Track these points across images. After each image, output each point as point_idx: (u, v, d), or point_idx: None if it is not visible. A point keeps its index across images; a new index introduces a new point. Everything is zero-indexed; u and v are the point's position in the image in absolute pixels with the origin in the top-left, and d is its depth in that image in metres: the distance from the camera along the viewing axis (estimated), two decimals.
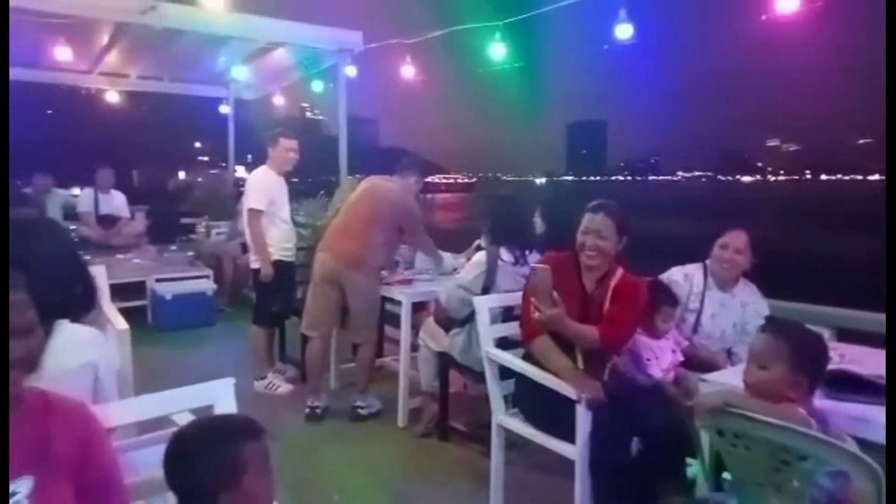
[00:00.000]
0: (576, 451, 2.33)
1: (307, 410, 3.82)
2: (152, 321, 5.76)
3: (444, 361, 3.44)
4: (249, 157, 9.48)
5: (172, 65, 7.57)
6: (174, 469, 1.25)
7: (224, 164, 9.40)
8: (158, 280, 5.87)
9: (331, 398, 3.97)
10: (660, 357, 2.64)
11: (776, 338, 1.75)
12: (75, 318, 1.68)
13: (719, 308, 2.92)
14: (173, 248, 6.90)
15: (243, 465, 1.22)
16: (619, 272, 2.61)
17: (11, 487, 1.10)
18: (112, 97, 9.47)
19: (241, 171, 9.60)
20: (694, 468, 2.27)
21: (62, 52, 5.98)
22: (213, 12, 4.84)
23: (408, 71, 6.18)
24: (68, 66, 7.16)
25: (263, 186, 4.22)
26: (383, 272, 3.97)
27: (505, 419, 2.72)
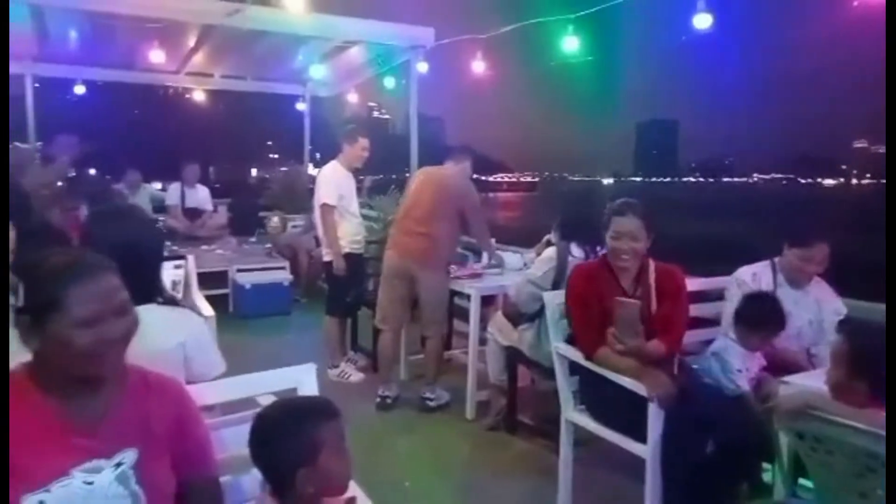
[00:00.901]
0: (647, 450, 2.30)
1: (378, 399, 3.93)
2: (233, 309, 6.04)
3: (513, 356, 3.46)
4: (318, 154, 9.73)
5: (254, 64, 7.88)
6: (257, 445, 1.34)
7: (297, 161, 9.72)
8: (239, 270, 6.15)
9: (401, 388, 4.07)
10: (750, 368, 2.56)
11: (842, 339, 1.72)
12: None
13: (793, 305, 2.81)
14: (252, 240, 7.18)
15: (320, 444, 1.28)
16: (652, 265, 2.61)
17: (117, 458, 1.20)
18: (197, 96, 9.98)
19: (309, 168, 9.89)
20: (770, 472, 2.21)
21: (156, 55, 6.36)
22: (294, 13, 5.02)
23: (479, 66, 6.21)
24: (159, 67, 7.60)
25: (334, 182, 4.35)
26: (452, 266, 4.02)
27: (574, 415, 2.72)
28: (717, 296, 3.13)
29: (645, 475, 2.31)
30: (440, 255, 3.85)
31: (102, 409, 1.22)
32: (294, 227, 7.59)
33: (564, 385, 2.75)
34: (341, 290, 4.45)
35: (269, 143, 54.31)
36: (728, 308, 2.82)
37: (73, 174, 6.49)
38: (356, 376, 4.41)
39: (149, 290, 1.77)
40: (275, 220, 7.72)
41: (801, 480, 1.94)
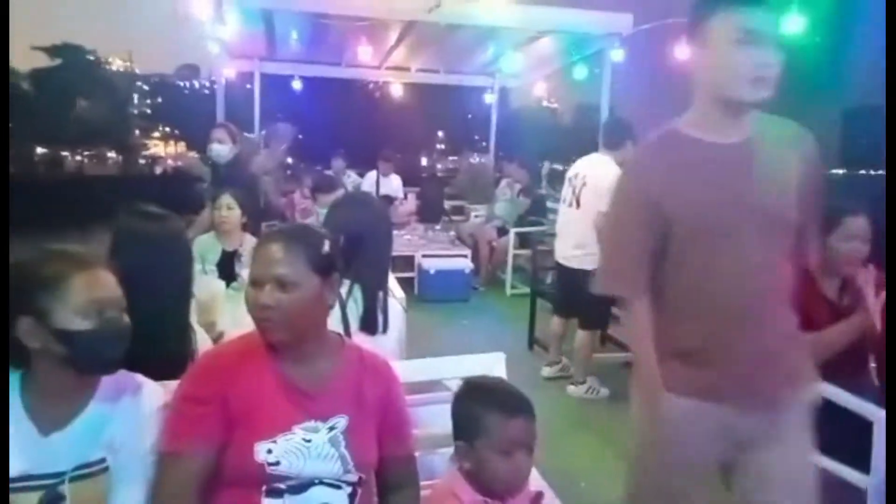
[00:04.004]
0: (869, 482, 2.00)
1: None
2: (417, 292, 6.33)
3: None
4: (484, 143, 9.85)
5: (448, 57, 8.18)
6: (455, 406, 1.40)
7: (470, 151, 9.94)
8: (425, 255, 6.44)
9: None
10: None
11: None
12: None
13: None
14: (438, 227, 7.46)
15: (482, 429, 1.31)
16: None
17: (331, 422, 1.31)
18: (386, 90, 10.61)
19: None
20: None
21: (363, 52, 6.88)
22: (490, 5, 5.10)
23: (682, 52, 5.81)
24: (364, 63, 8.20)
25: None
26: None
27: None
28: None
29: None
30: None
31: (323, 377, 1.34)
32: (477, 216, 7.79)
33: None
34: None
35: (440, 133, 55.98)
36: None
37: (286, 161, 7.28)
38: (547, 371, 4.30)
39: (384, 274, 1.94)
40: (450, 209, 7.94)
41: None
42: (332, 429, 1.30)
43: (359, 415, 1.34)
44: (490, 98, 9.55)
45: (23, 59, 41.91)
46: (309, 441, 1.27)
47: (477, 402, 1.36)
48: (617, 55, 5.94)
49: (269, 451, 1.24)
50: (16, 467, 1.18)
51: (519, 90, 9.86)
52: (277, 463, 1.24)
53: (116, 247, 1.66)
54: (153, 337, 1.56)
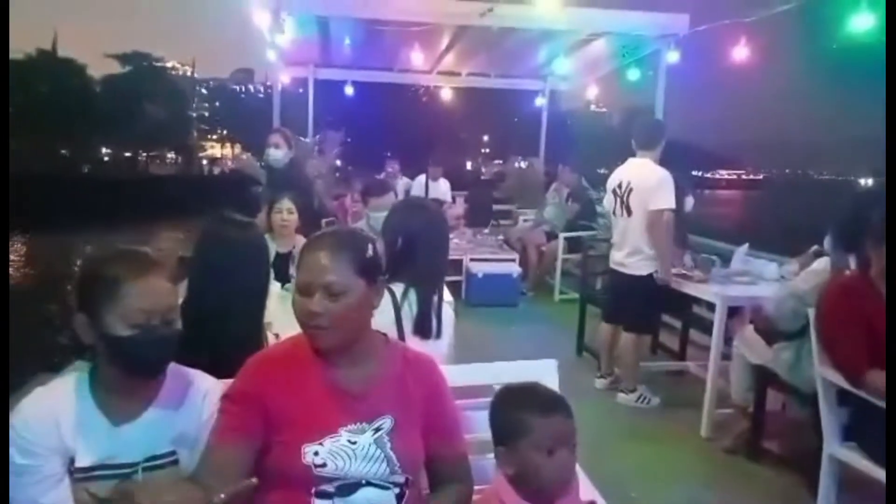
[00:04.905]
0: None
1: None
2: (465, 296, 6.32)
3: (762, 376, 3.10)
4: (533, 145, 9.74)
5: (499, 61, 8.16)
6: (493, 412, 1.41)
7: (531, 155, 9.89)
8: (472, 259, 6.42)
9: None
10: None
11: None
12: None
13: None
14: (486, 231, 7.46)
15: (523, 431, 1.30)
16: None
17: (377, 423, 1.31)
18: (444, 94, 10.66)
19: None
20: None
21: (415, 56, 6.93)
22: (543, 9, 5.04)
23: (740, 53, 5.63)
24: (415, 67, 8.27)
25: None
26: (690, 271, 3.75)
27: (840, 451, 2.36)
28: None
29: None
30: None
31: (368, 378, 1.35)
32: (525, 220, 7.74)
33: (830, 416, 2.40)
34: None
35: (486, 137, 55.92)
36: None
37: (335, 164, 7.42)
38: (599, 383, 4.21)
39: (439, 279, 1.97)
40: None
41: None
42: (377, 430, 1.31)
43: (404, 415, 1.34)
44: (541, 101, 9.50)
45: (98, 66, 44.31)
46: (354, 443, 1.28)
47: (514, 404, 1.36)
48: (672, 57, 5.82)
49: (316, 454, 1.25)
50: (91, 457, 1.24)
51: (568, 93, 9.75)
52: (324, 465, 1.25)
53: (202, 250, 1.73)
54: (233, 335, 1.63)
